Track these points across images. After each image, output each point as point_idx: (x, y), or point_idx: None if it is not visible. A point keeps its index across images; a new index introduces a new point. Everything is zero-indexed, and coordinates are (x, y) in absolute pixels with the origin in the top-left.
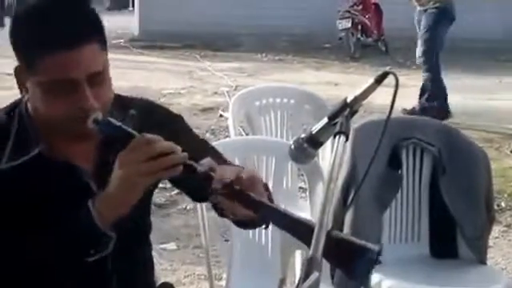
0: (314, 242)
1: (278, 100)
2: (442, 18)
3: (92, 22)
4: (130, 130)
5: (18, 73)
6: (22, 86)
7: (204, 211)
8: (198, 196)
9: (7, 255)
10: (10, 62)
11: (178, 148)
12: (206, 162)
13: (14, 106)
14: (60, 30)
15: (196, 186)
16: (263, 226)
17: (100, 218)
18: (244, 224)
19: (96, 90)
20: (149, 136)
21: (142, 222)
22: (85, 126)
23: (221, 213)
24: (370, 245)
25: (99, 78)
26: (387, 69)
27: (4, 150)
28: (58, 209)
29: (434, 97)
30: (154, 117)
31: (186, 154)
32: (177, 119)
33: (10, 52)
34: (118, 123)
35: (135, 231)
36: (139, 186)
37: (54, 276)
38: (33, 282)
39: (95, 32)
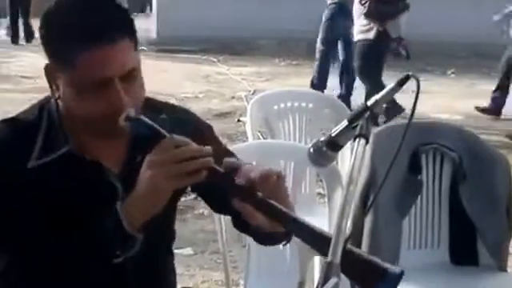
0: (332, 246)
1: (297, 104)
2: (338, 14)
3: (124, 19)
4: (160, 129)
5: (48, 70)
6: (52, 83)
7: (221, 216)
8: (218, 204)
9: (32, 252)
10: (25, 65)
11: (207, 152)
12: (229, 161)
13: (43, 103)
14: (94, 26)
15: (217, 193)
16: (283, 243)
17: (128, 220)
18: (265, 238)
19: (128, 85)
20: (178, 138)
21: (166, 230)
22: (116, 123)
23: (240, 224)
24: (391, 267)
25: (132, 74)
26: (410, 73)
27: (33, 148)
28: (83, 208)
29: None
30: (184, 124)
31: (211, 158)
32: (206, 129)
33: (25, 55)
34: (150, 122)
35: (159, 239)
36: (167, 189)
37: (77, 276)
38: (55, 280)
39: (128, 28)
